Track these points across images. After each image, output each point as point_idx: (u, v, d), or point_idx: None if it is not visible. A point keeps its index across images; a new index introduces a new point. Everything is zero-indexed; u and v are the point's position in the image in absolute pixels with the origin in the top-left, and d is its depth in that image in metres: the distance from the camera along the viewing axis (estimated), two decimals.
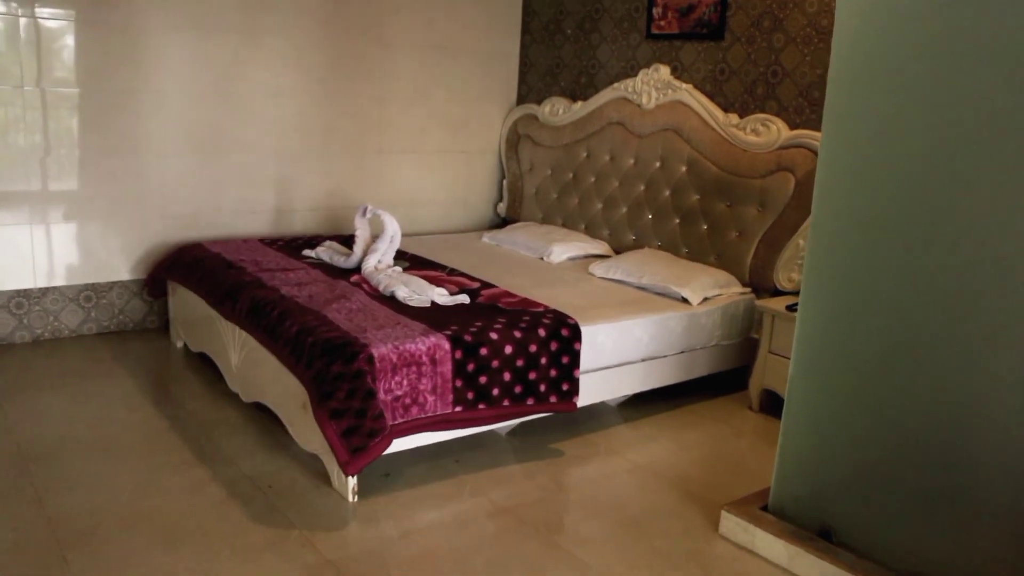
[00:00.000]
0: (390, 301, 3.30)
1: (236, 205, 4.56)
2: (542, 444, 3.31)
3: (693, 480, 3.09)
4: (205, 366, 3.89)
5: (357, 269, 3.76)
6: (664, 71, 4.50)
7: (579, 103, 5.02)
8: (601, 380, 3.43)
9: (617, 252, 4.60)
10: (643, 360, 3.56)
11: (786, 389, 2.60)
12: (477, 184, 5.54)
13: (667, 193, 4.44)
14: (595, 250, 4.58)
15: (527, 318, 3.16)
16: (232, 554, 2.45)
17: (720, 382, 4.01)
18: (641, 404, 3.75)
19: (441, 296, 3.35)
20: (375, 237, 3.83)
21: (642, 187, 4.57)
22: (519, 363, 3.02)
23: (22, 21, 3.82)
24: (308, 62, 4.64)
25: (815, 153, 3.74)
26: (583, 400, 3.28)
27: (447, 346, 2.86)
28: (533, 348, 3.05)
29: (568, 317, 3.22)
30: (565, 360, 3.14)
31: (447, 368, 2.85)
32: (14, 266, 4.00)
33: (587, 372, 3.31)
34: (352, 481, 2.76)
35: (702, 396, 3.90)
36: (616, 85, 4.75)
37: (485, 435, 3.26)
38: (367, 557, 2.48)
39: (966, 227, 2.13)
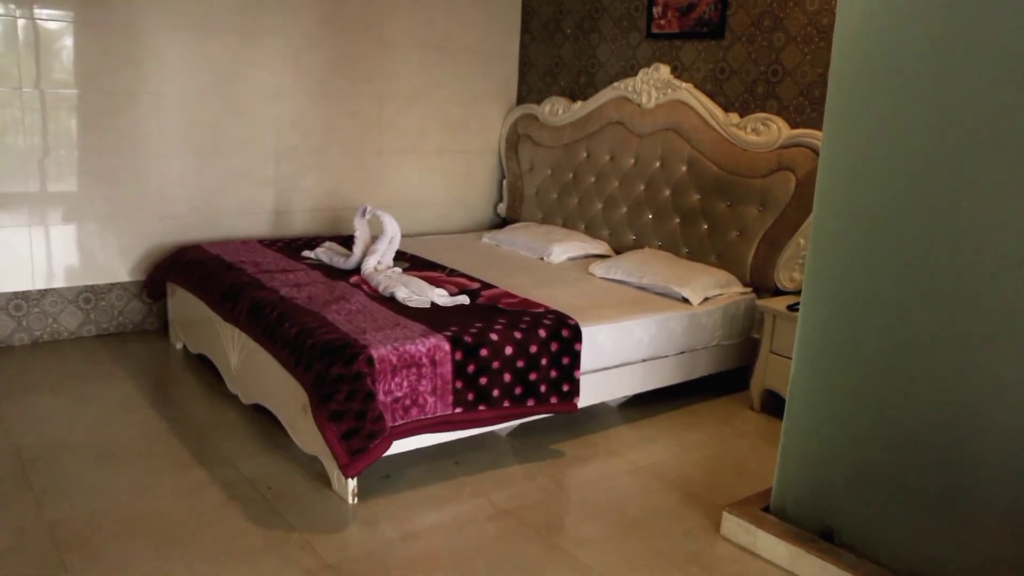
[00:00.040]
0: (390, 302, 3.29)
1: (235, 206, 4.55)
2: (542, 445, 3.30)
3: (694, 481, 3.08)
4: (204, 368, 3.88)
5: (357, 270, 3.75)
6: (664, 70, 4.49)
7: (579, 103, 5.01)
8: (601, 381, 3.42)
9: (617, 252, 4.59)
10: (644, 360, 3.55)
11: (787, 390, 2.59)
12: (477, 184, 5.53)
13: (667, 193, 4.43)
14: (595, 250, 4.57)
15: (527, 319, 3.15)
16: (231, 557, 2.44)
17: (721, 382, 4.00)
18: (642, 405, 3.74)
19: (441, 297, 3.35)
20: (375, 238, 3.82)
21: (642, 187, 4.56)
22: (519, 364, 3.01)
23: (20, 22, 3.81)
24: (307, 62, 4.63)
25: (816, 152, 3.73)
26: (583, 401, 3.27)
27: (447, 347, 2.85)
28: (533, 349, 3.04)
29: (568, 318, 3.21)
30: (565, 361, 3.13)
31: (447, 369, 2.84)
32: (13, 268, 3.99)
33: (587, 373, 3.30)
34: (352, 483, 2.75)
35: (703, 396, 3.89)
36: (616, 84, 4.74)
37: (485, 436, 3.25)
38: (367, 559, 2.47)
39: (967, 226, 2.12)
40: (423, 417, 2.81)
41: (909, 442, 2.29)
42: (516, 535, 2.65)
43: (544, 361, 3.07)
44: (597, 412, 3.64)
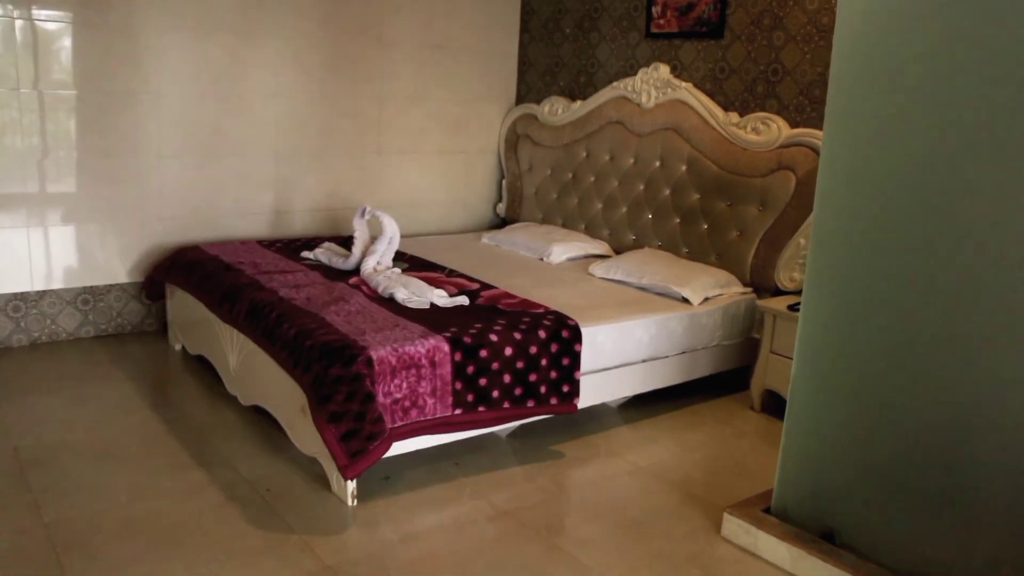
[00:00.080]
0: (389, 303, 3.28)
1: (234, 206, 4.54)
2: (542, 446, 3.29)
3: (695, 481, 3.07)
4: (203, 369, 3.87)
5: (356, 271, 3.75)
6: (664, 70, 4.48)
7: (578, 102, 5.00)
8: (602, 381, 3.41)
9: (617, 252, 4.58)
10: (644, 361, 3.54)
11: (788, 390, 2.58)
12: (476, 184, 5.52)
13: (667, 192, 4.42)
14: (595, 250, 4.56)
15: (527, 319, 3.14)
16: (230, 559, 2.43)
17: (721, 382, 3.99)
18: (642, 405, 3.73)
19: (440, 298, 3.34)
20: (374, 238, 3.81)
21: (642, 186, 4.55)
22: (519, 365, 3.00)
23: (18, 23, 3.80)
24: (306, 62, 4.62)
25: (816, 152, 3.73)
26: (583, 401, 3.27)
27: (446, 348, 2.84)
28: (533, 350, 3.03)
29: (568, 318, 3.21)
30: (565, 361, 3.12)
31: (447, 370, 2.83)
32: (11, 269, 3.98)
33: (587, 373, 3.29)
34: (351, 485, 2.74)
35: (703, 397, 3.88)
36: (615, 84, 4.73)
37: (485, 437, 3.24)
38: (367, 561, 2.46)
39: (968, 226, 2.11)
40: (423, 418, 2.80)
41: (910, 443, 2.28)
42: (516, 536, 2.64)
43: (544, 362, 3.06)
44: (597, 413, 3.63)
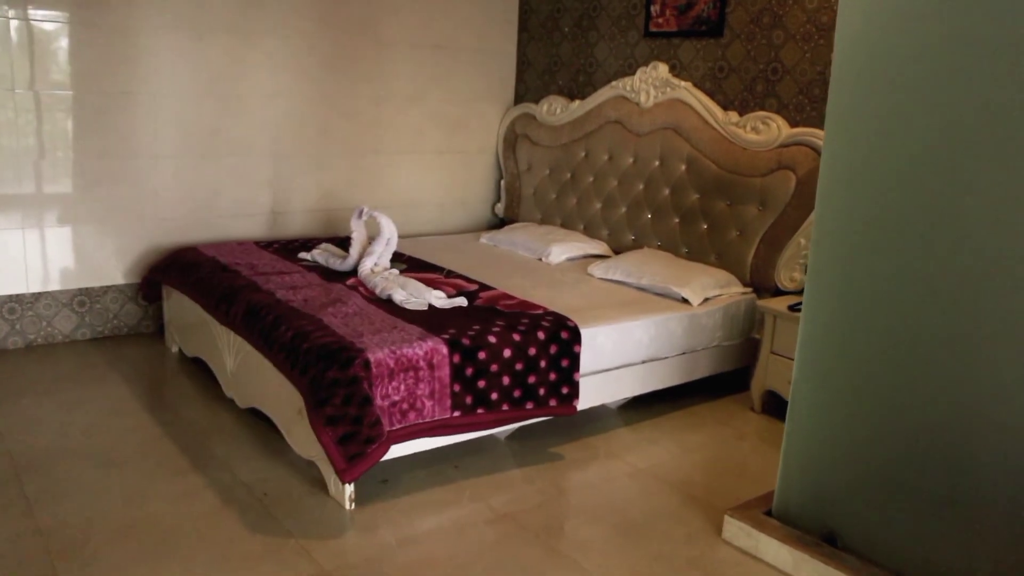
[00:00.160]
0: (387, 304, 3.26)
1: (231, 207, 4.52)
2: (542, 448, 3.27)
3: (695, 483, 3.05)
4: (200, 371, 3.85)
5: (353, 272, 3.72)
6: (663, 69, 4.46)
7: (577, 102, 4.98)
8: (601, 382, 3.39)
9: (616, 252, 4.56)
10: (643, 362, 3.52)
11: (790, 392, 2.56)
12: (475, 184, 5.49)
13: (666, 192, 4.40)
14: (594, 250, 4.54)
15: (526, 320, 3.12)
16: (227, 564, 2.41)
17: (721, 383, 3.97)
18: (642, 406, 3.71)
19: (439, 299, 3.31)
20: (371, 239, 3.78)
21: (641, 186, 4.53)
22: (518, 366, 2.98)
23: (14, 23, 3.77)
24: (304, 62, 4.60)
25: (816, 151, 3.71)
26: (583, 403, 3.24)
27: (445, 350, 2.82)
28: (532, 351, 3.01)
29: (567, 319, 3.18)
30: (565, 363, 3.10)
31: (445, 372, 2.81)
32: (7, 271, 3.96)
33: (587, 375, 3.27)
34: (349, 488, 2.72)
35: (703, 398, 3.86)
36: (614, 83, 4.71)
37: (484, 440, 3.22)
38: (365, 565, 2.44)
39: (971, 225, 2.09)
40: (421, 421, 2.78)
41: (913, 444, 2.27)
42: (515, 539, 2.62)
43: (543, 363, 3.04)
44: (597, 414, 3.61)
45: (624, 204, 4.63)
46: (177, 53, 4.20)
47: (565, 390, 3.12)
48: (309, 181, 4.77)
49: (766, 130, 3.94)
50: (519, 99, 5.50)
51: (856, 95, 2.30)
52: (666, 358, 3.60)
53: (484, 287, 3.60)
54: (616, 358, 3.40)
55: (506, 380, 2.95)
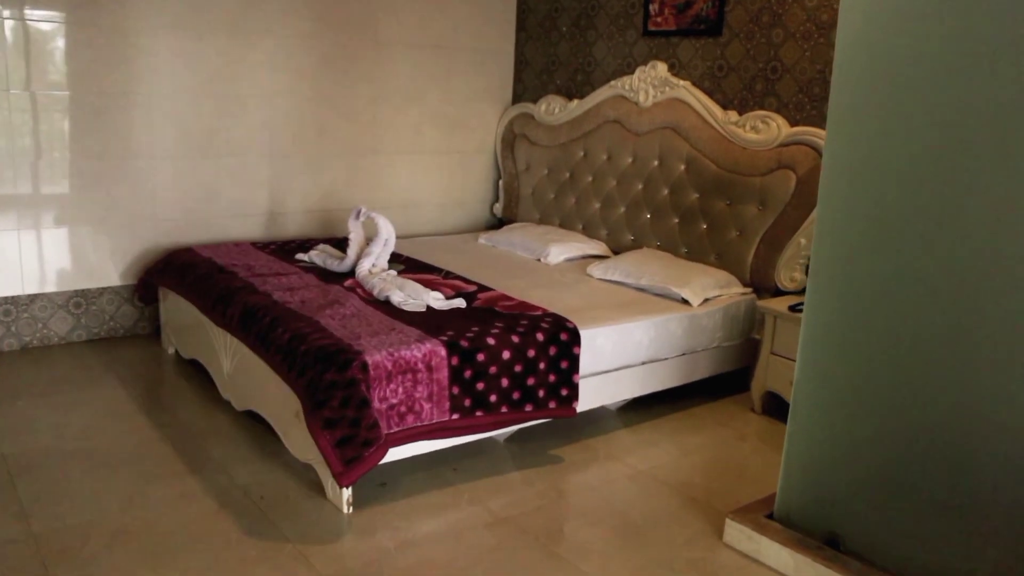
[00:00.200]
0: (385, 306, 3.24)
1: (228, 208, 4.49)
2: (541, 450, 3.25)
3: (695, 485, 3.03)
4: (197, 373, 3.82)
5: (351, 273, 3.70)
6: (661, 68, 4.43)
7: (575, 101, 4.95)
8: (600, 384, 3.36)
9: (615, 252, 4.54)
10: (643, 363, 3.50)
11: (791, 393, 2.54)
12: (473, 185, 5.47)
13: (666, 192, 4.38)
14: (593, 250, 4.52)
15: (525, 322, 3.10)
16: (223, 568, 2.38)
17: (721, 384, 3.95)
18: (641, 408, 3.69)
19: (437, 300, 3.29)
20: (369, 240, 3.76)
21: (640, 186, 4.51)
22: (517, 368, 2.95)
23: (9, 23, 3.75)
24: (301, 62, 4.58)
25: (816, 150, 3.69)
26: (582, 405, 3.22)
27: (443, 352, 2.80)
28: (531, 353, 2.99)
29: (567, 320, 3.16)
30: (564, 365, 3.08)
31: (443, 375, 2.79)
32: (2, 273, 3.93)
33: (586, 376, 3.25)
34: (347, 492, 2.69)
35: (703, 399, 3.84)
36: (613, 83, 4.69)
37: (483, 442, 3.20)
38: (363, 570, 2.42)
39: (973, 225, 2.08)
40: (419, 424, 2.76)
41: (916, 446, 2.25)
42: (515, 543, 2.60)
43: (542, 365, 3.02)
44: (596, 416, 3.59)
45: (623, 204, 4.61)
46: (174, 53, 4.17)
47: (564, 392, 3.10)
48: (307, 181, 4.74)
49: (766, 129, 3.92)
50: (517, 99, 5.48)
51: (857, 95, 2.28)
52: (666, 359, 3.58)
53: (482, 288, 3.58)
54: (615, 359, 3.38)
55: (505, 382, 2.93)
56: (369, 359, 2.65)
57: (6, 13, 3.73)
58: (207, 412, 3.45)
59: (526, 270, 4.18)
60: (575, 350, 3.11)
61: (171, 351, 4.12)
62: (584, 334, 3.17)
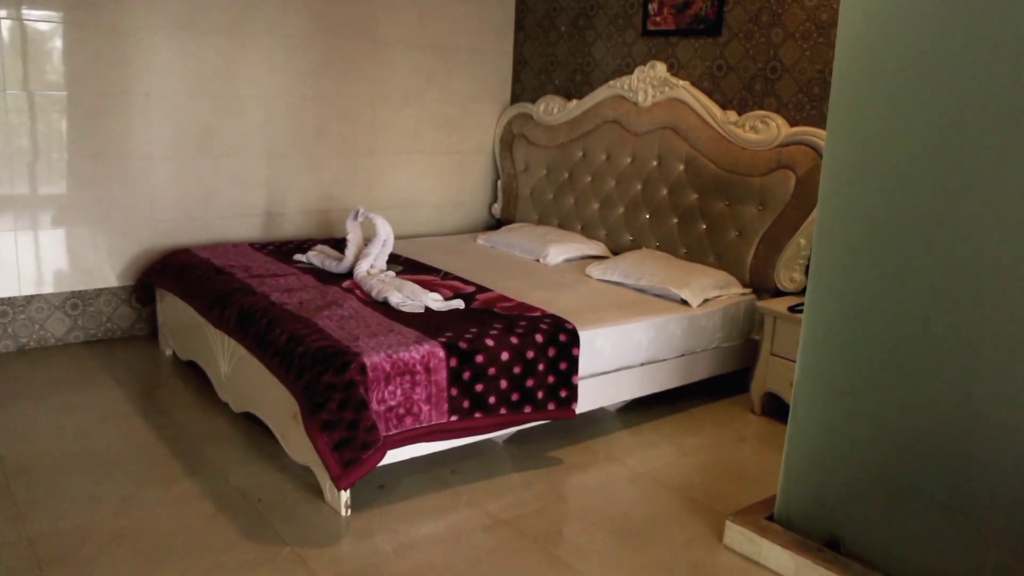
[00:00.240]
0: (383, 307, 3.23)
1: (226, 209, 4.48)
2: (540, 452, 3.24)
3: (695, 487, 3.01)
4: (194, 375, 3.81)
5: (349, 274, 3.68)
6: (660, 68, 4.42)
7: (574, 101, 4.94)
8: (600, 385, 3.35)
9: (614, 253, 4.52)
10: (642, 364, 3.49)
11: (792, 395, 2.53)
12: (471, 185, 5.46)
13: (665, 192, 4.37)
14: (592, 251, 4.50)
15: (524, 323, 3.08)
16: (221, 572, 2.37)
17: (721, 385, 3.94)
18: (641, 409, 3.68)
19: (435, 301, 3.28)
20: (367, 241, 3.74)
21: (639, 186, 4.50)
22: (516, 370, 2.94)
23: (6, 23, 3.73)
24: (298, 62, 4.56)
25: (816, 150, 3.68)
26: (582, 406, 3.21)
27: (442, 354, 2.78)
28: (530, 354, 2.97)
29: (566, 322, 3.15)
30: (563, 366, 3.07)
31: (442, 376, 2.77)
32: None
33: (585, 377, 3.23)
34: (345, 495, 2.68)
35: (703, 400, 3.83)
36: (612, 83, 4.68)
37: (482, 444, 3.18)
38: (361, 573, 2.40)
39: (973, 225, 2.07)
40: (418, 426, 2.74)
41: (917, 447, 2.24)
42: (513, 546, 2.59)
43: (541, 366, 3.01)
44: (595, 417, 3.57)
45: (622, 204, 4.59)
46: (172, 53, 4.15)
47: (564, 393, 3.08)
48: (305, 182, 4.73)
49: (765, 129, 3.91)
50: (516, 99, 5.47)
51: (857, 95, 2.27)
52: (665, 360, 3.57)
53: (481, 289, 3.57)
54: (615, 360, 3.37)
55: (504, 383, 2.92)
56: (367, 361, 2.64)
57: (3, 13, 3.71)
58: (205, 414, 3.43)
59: (525, 271, 4.17)
60: (574, 351, 3.10)
61: (168, 353, 4.10)
62: (583, 335, 3.15)
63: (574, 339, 3.10)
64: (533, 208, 5.21)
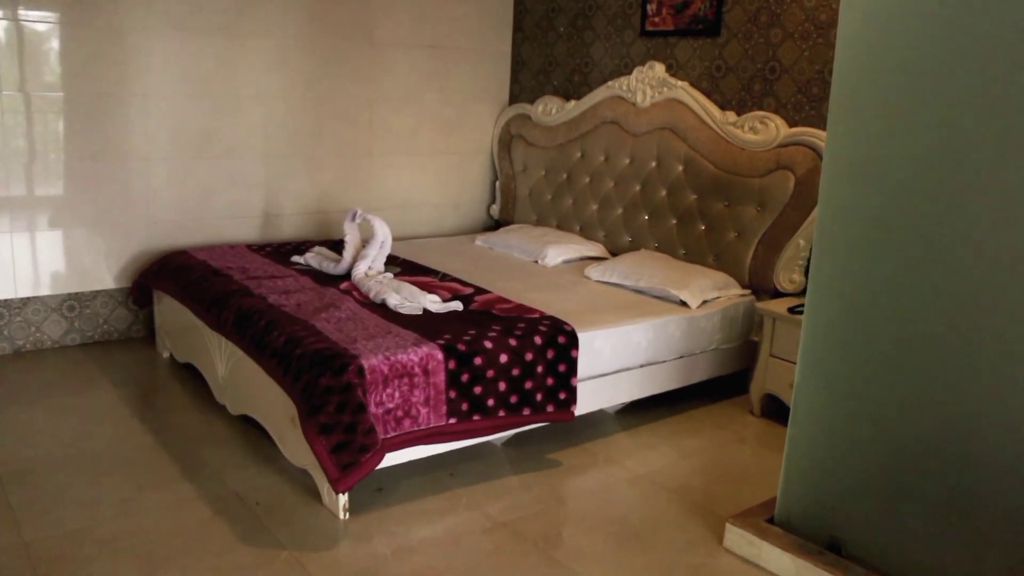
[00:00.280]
0: (381, 309, 3.21)
1: (224, 210, 4.46)
2: (539, 454, 3.22)
3: (695, 489, 3.00)
4: (192, 377, 3.79)
5: (347, 276, 3.67)
6: (659, 68, 4.41)
7: (572, 102, 4.93)
8: (599, 387, 3.34)
9: (613, 254, 4.51)
10: (641, 366, 3.47)
11: (792, 396, 2.52)
12: (469, 186, 5.44)
13: (663, 193, 4.35)
14: (590, 252, 4.49)
15: (522, 325, 3.07)
16: (219, 575, 2.36)
17: (720, 387, 3.93)
18: (640, 411, 3.67)
19: (433, 303, 3.26)
20: (365, 242, 3.73)
21: (638, 187, 4.49)
22: (515, 372, 2.93)
23: (3, 24, 3.72)
24: (296, 63, 4.55)
25: (815, 151, 3.67)
26: (580, 408, 3.20)
27: (440, 356, 2.77)
28: (529, 356, 2.96)
29: (564, 323, 3.14)
30: (562, 368, 3.05)
31: (440, 379, 2.76)
32: None
33: (584, 379, 3.22)
34: (343, 498, 2.67)
35: (702, 401, 3.82)
36: (610, 83, 4.66)
37: (480, 446, 3.17)
38: None
39: (973, 225, 2.06)
40: (416, 428, 2.73)
41: (918, 448, 2.23)
42: (512, 548, 2.57)
43: (540, 369, 2.99)
44: (594, 419, 3.56)
45: (621, 205, 4.58)
46: (169, 54, 4.14)
47: (562, 395, 3.07)
48: (302, 183, 4.71)
49: (764, 130, 3.90)
50: (514, 99, 5.46)
51: (857, 95, 2.26)
52: (664, 362, 3.56)
53: (479, 290, 3.55)
54: (614, 362, 3.35)
55: (502, 386, 2.90)
56: (365, 363, 2.62)
57: (0, 13, 3.71)
58: (202, 417, 3.42)
59: (523, 272, 4.15)
60: (573, 353, 3.08)
61: (165, 355, 4.09)
62: (582, 337, 3.14)
63: (573, 341, 3.09)
64: (531, 209, 5.20)
